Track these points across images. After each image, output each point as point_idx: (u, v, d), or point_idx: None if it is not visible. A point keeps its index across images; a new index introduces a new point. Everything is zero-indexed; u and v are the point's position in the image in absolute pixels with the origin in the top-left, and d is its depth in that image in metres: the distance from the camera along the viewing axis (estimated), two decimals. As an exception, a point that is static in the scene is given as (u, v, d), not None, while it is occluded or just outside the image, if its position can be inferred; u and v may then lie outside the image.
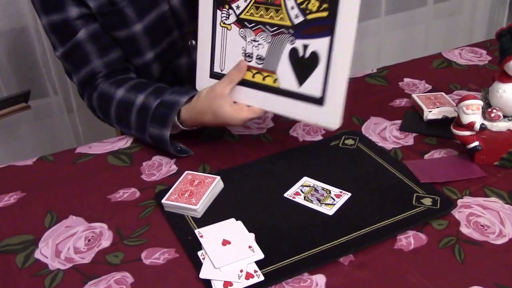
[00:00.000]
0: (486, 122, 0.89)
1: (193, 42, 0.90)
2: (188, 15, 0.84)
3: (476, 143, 0.90)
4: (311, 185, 0.89)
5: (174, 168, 0.97)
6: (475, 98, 0.89)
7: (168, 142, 0.98)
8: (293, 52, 0.89)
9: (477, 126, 0.89)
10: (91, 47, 1.07)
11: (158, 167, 0.97)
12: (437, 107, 1.05)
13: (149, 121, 0.99)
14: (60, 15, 1.04)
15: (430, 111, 1.04)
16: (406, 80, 1.21)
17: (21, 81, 1.73)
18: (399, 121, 1.05)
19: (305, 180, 0.90)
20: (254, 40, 0.92)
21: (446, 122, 0.99)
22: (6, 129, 1.76)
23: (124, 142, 1.05)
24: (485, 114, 0.90)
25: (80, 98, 1.76)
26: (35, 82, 1.74)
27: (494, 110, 0.88)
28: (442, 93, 1.11)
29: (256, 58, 0.92)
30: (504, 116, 0.89)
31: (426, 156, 0.96)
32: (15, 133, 1.80)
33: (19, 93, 1.44)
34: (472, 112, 0.89)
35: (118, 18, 1.05)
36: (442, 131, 1.00)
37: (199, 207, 0.84)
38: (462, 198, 0.85)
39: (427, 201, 0.84)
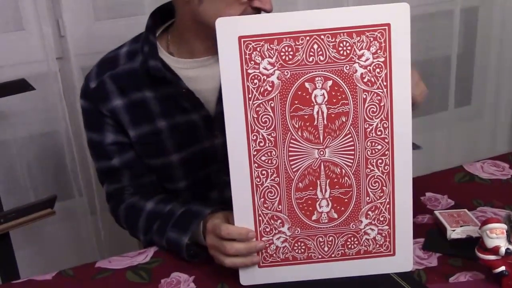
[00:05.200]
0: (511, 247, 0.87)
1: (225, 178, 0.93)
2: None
3: (503, 268, 0.87)
4: (332, 310, 0.86)
5: (192, 286, 0.95)
6: (498, 221, 0.88)
7: (184, 247, 0.99)
8: None
9: (502, 251, 0.87)
10: (124, 173, 1.13)
11: (176, 285, 0.96)
12: (460, 226, 1.03)
13: (171, 226, 1.01)
14: (98, 136, 1.11)
15: (454, 230, 1.02)
16: (428, 194, 1.20)
17: (48, 184, 1.77)
18: (422, 239, 1.03)
19: (326, 304, 0.88)
20: None
21: (470, 242, 0.97)
22: (30, 230, 1.78)
23: (144, 257, 1.05)
24: (510, 238, 0.88)
25: (103, 201, 1.80)
26: (61, 185, 1.77)
27: (519, 235, 0.86)
28: (465, 210, 1.09)
29: None
30: (531, 240, 0.87)
31: (451, 279, 0.93)
32: (39, 236, 1.82)
33: (45, 199, 1.47)
34: (496, 236, 0.87)
35: (156, 147, 1.10)
36: (467, 251, 0.97)
37: (216, 332, 0.81)
38: (490, 328, 0.82)
39: (454, 332, 0.80)
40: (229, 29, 0.84)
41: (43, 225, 1.78)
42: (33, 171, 1.74)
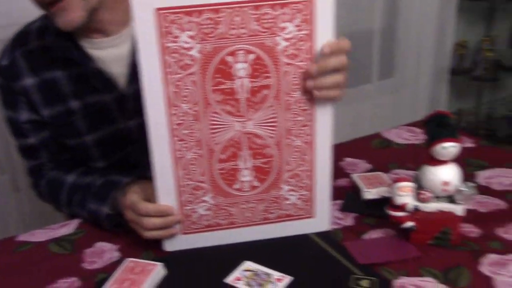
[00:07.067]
0: (418, 203, 0.93)
1: (145, 159, 0.93)
2: (145, 134, 0.87)
3: (410, 223, 0.94)
4: (253, 270, 0.90)
5: (117, 255, 0.96)
6: (407, 180, 0.93)
7: (104, 217, 0.99)
8: None
9: (410, 207, 0.93)
10: (42, 150, 1.12)
11: (100, 254, 0.96)
12: (375, 187, 1.09)
13: (91, 197, 1.02)
14: (13, 114, 1.09)
15: (368, 191, 1.08)
16: (347, 160, 1.26)
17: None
18: (340, 201, 1.09)
19: (247, 264, 0.91)
20: None
21: (385, 202, 1.03)
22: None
23: (67, 229, 1.04)
24: (418, 195, 0.94)
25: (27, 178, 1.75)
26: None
27: (424, 192, 0.93)
28: (381, 172, 1.16)
29: None
30: (436, 197, 0.94)
31: (364, 236, 0.98)
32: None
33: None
34: (404, 193, 0.93)
35: (69, 128, 1.08)
36: (381, 211, 1.03)
37: (139, 296, 0.83)
38: (398, 278, 0.88)
39: (365, 283, 0.86)
40: (145, 1, 0.80)
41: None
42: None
